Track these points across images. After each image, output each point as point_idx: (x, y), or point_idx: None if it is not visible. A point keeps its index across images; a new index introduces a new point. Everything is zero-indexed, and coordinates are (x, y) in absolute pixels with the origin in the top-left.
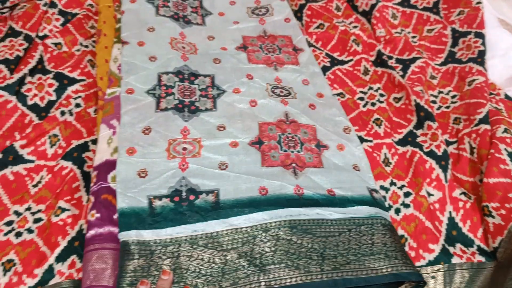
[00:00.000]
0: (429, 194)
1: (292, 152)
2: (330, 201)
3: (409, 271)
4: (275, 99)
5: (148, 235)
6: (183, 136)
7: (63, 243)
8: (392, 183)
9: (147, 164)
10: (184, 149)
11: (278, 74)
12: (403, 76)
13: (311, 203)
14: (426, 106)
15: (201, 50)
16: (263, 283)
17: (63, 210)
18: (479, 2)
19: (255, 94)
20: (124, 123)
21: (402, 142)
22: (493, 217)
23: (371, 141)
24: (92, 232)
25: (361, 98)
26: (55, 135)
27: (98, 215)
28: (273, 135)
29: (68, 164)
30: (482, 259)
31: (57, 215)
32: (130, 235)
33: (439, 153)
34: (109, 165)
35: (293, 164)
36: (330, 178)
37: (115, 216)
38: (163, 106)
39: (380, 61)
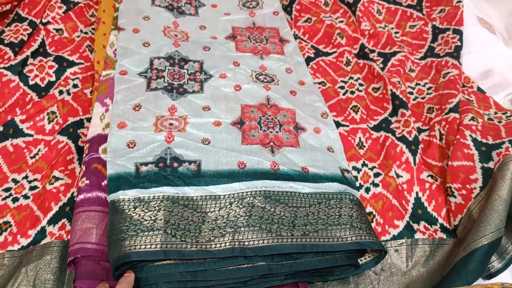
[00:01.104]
0: (398, 176)
1: (271, 132)
2: (304, 177)
3: (372, 240)
4: (258, 85)
5: (133, 193)
6: (170, 113)
7: (55, 208)
8: (364, 164)
9: (136, 136)
10: (171, 124)
11: (263, 62)
12: (382, 69)
13: (286, 178)
14: (401, 96)
15: (192, 38)
16: (237, 243)
17: (57, 179)
18: (459, 1)
19: (240, 80)
20: (117, 100)
21: (376, 128)
22: (455, 197)
23: (347, 126)
24: (81, 197)
25: (342, 87)
26: (53, 112)
27: (87, 181)
28: (254, 117)
29: (64, 139)
30: (443, 235)
31: (51, 184)
32: (117, 195)
33: (410, 139)
34: (101, 139)
35: (271, 143)
36: (305, 157)
37: (104, 183)
38: (153, 86)
39: (362, 53)
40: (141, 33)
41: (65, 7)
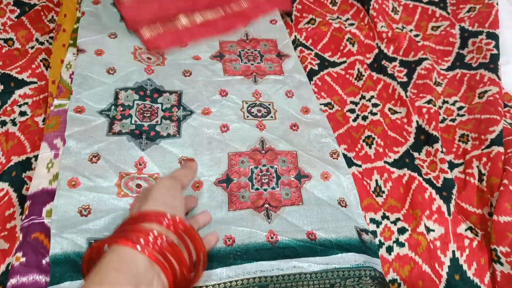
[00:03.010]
0: (429, 230)
1: (266, 190)
2: (310, 248)
3: None
4: (251, 123)
5: None
6: (137, 170)
7: None
8: (385, 217)
9: (92, 199)
10: (138, 186)
11: (257, 87)
12: (408, 83)
13: (287, 253)
14: (428, 128)
15: (170, 59)
16: None
17: None
18: None
19: (228, 116)
20: (69, 147)
21: (398, 164)
22: (501, 264)
23: (360, 165)
24: (12, 281)
25: (352, 110)
26: None
27: (23, 259)
28: (244, 170)
29: (5, 186)
30: None
31: None
32: None
33: (438, 185)
34: (46, 195)
35: (266, 205)
36: (311, 218)
37: (45, 261)
38: (117, 129)
39: (377, 66)
40: (106, 56)
41: (18, 11)
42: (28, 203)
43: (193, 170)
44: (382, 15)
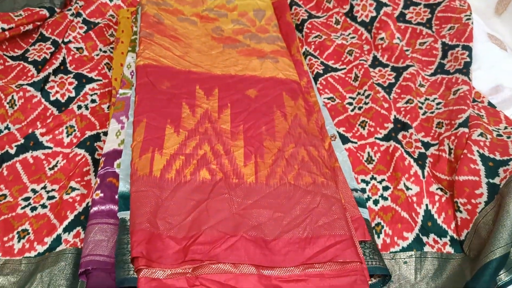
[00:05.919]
0: (407, 188)
1: None
2: None
3: (376, 266)
4: None
5: None
6: None
7: (71, 217)
8: (373, 178)
9: None
10: None
11: None
12: (394, 84)
13: None
14: (403, 119)
15: None
16: None
17: (74, 189)
18: (468, 19)
19: None
20: (130, 122)
21: (386, 138)
22: (461, 212)
23: (355, 142)
24: (95, 209)
25: (350, 103)
26: (72, 126)
27: (101, 194)
28: None
29: (81, 152)
30: (451, 250)
31: (68, 194)
32: (127, 214)
33: (415, 156)
34: (116, 154)
35: None
36: None
37: (116, 197)
38: None
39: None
40: None
41: (86, 27)
42: (103, 159)
43: None
44: (382, 29)
